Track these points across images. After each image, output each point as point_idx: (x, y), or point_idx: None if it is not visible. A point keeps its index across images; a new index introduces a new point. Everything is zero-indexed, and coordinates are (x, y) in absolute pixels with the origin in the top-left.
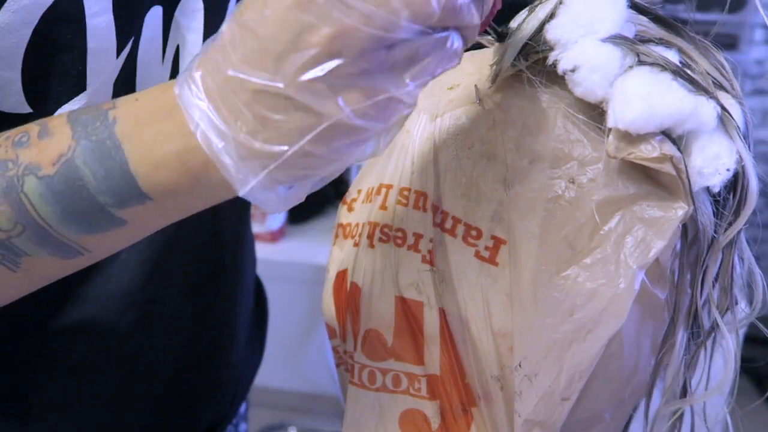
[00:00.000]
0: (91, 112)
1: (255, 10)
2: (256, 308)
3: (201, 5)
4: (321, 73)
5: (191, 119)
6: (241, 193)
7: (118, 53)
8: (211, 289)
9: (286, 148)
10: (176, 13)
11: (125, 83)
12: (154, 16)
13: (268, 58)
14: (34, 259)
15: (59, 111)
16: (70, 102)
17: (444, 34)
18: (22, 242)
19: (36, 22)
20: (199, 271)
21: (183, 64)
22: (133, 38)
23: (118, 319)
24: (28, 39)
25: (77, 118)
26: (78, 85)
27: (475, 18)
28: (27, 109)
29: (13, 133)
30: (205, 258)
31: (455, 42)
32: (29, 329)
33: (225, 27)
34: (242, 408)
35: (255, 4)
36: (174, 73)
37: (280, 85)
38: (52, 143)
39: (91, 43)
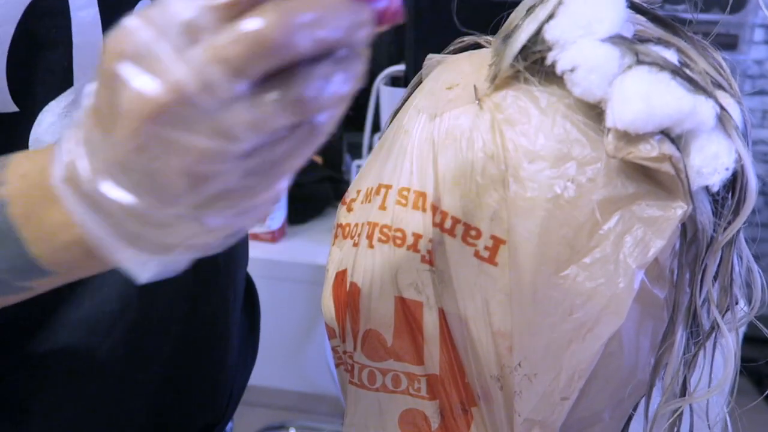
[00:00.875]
0: None
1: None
2: (248, 310)
3: None
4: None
5: (76, 218)
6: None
7: None
8: (204, 291)
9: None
10: None
11: None
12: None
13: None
14: None
15: (46, 108)
16: (57, 99)
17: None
18: None
19: (19, 17)
20: (195, 272)
21: None
22: None
23: (113, 323)
24: (11, 35)
25: None
26: (65, 81)
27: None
28: (13, 108)
29: None
30: (199, 259)
31: (312, 131)
32: (22, 335)
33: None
34: (228, 426)
35: (103, 122)
36: None
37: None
38: None
39: (77, 37)
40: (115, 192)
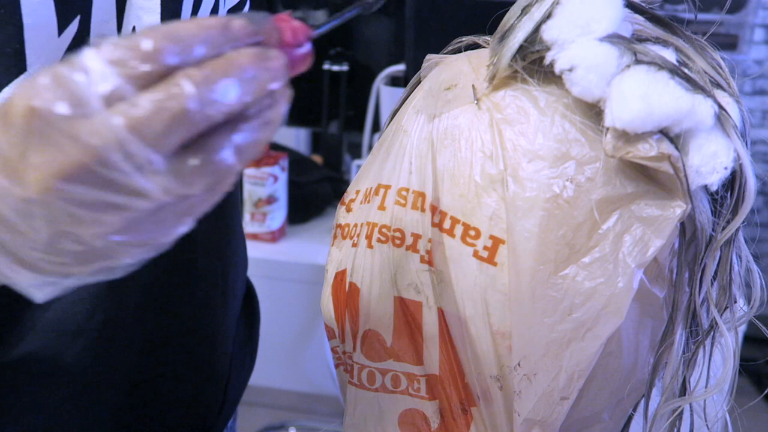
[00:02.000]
0: None
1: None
2: (246, 317)
3: None
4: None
5: None
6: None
7: (61, 31)
8: (179, 292)
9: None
10: None
11: None
12: None
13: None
14: None
15: (0, 94)
16: (9, 85)
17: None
18: None
19: None
20: (165, 271)
21: None
22: (80, 17)
23: (83, 324)
24: None
25: None
26: (16, 65)
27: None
28: None
29: None
30: (170, 257)
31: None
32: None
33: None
34: (229, 424)
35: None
36: None
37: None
38: None
39: (27, 18)
40: (11, 236)
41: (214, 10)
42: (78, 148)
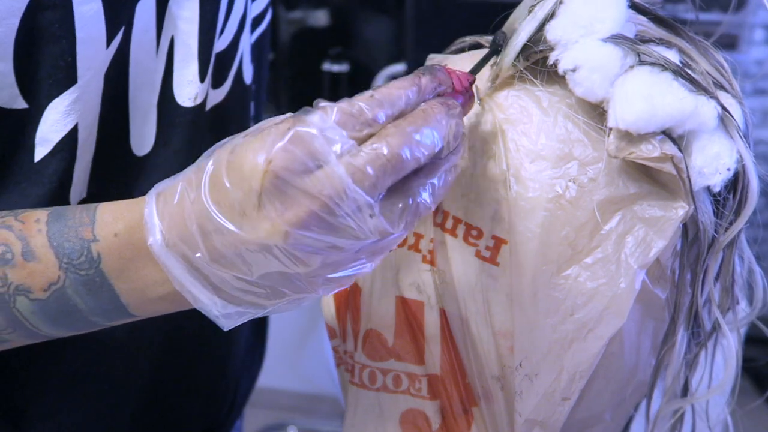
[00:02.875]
0: (72, 238)
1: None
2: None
3: None
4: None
5: (173, 278)
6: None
7: (108, 43)
8: None
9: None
10: (170, 3)
11: (118, 76)
12: (147, 6)
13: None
14: (16, 344)
15: (50, 106)
16: (60, 96)
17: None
18: (11, 336)
19: (23, 9)
20: None
21: (177, 56)
22: (123, 28)
23: (113, 328)
24: (16, 28)
25: (61, 244)
26: (68, 78)
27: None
28: (23, 104)
29: None
30: None
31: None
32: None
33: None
34: (237, 424)
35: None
36: (168, 65)
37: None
38: (39, 270)
39: (80, 32)
40: (225, 273)
41: (242, 21)
42: (310, 200)
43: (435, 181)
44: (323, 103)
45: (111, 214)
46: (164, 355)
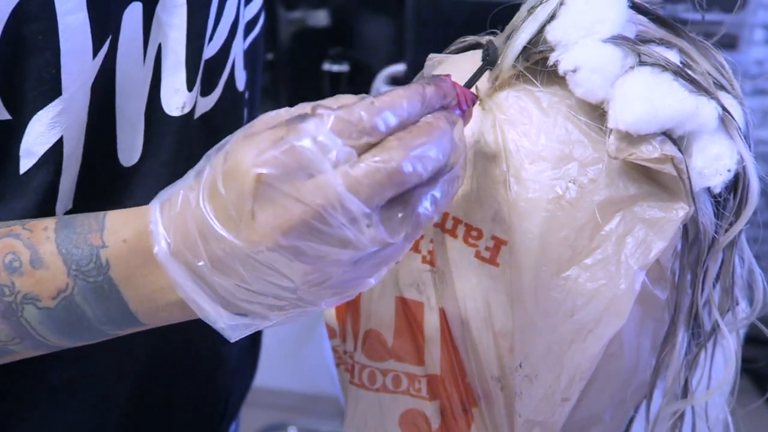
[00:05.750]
0: (81, 244)
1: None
2: None
3: (184, 0)
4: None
5: (178, 287)
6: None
7: (95, 54)
8: None
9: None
10: (157, 10)
11: (104, 87)
12: (134, 13)
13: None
14: (22, 355)
15: (34, 118)
16: (45, 109)
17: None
18: (18, 347)
19: (5, 20)
20: None
21: (165, 64)
22: (110, 37)
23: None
24: None
25: (69, 251)
26: (53, 90)
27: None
28: (6, 116)
29: None
30: None
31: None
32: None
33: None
34: (232, 427)
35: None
36: (156, 74)
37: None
38: (48, 277)
39: (65, 43)
40: (227, 282)
41: (234, 26)
42: (302, 209)
43: (437, 192)
44: (320, 110)
45: (120, 221)
46: (151, 367)
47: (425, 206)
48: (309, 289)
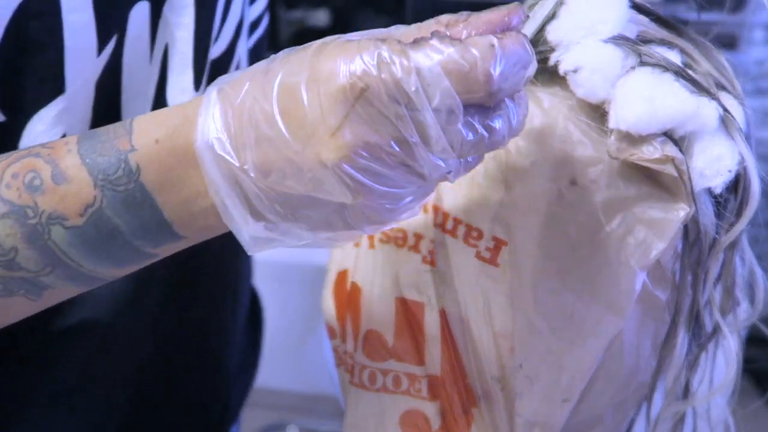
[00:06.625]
0: (107, 152)
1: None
2: (251, 325)
3: (191, 0)
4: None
5: (211, 183)
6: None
7: (99, 51)
8: (189, 299)
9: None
10: (164, 9)
11: (110, 84)
12: (141, 12)
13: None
14: (58, 291)
15: (35, 117)
16: (47, 107)
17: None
18: (50, 279)
19: (8, 19)
20: (178, 282)
21: (172, 63)
22: (116, 36)
23: (104, 329)
24: (0, 38)
25: (94, 160)
26: (55, 88)
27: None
28: (0, 117)
29: (18, 167)
30: (183, 269)
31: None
32: (6, 357)
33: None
34: (233, 429)
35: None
36: (162, 73)
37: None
38: (72, 192)
39: (69, 41)
40: (268, 191)
41: (239, 26)
42: (392, 134)
43: (513, 113)
44: (437, 43)
45: (150, 121)
46: (152, 369)
47: (503, 127)
48: (358, 212)
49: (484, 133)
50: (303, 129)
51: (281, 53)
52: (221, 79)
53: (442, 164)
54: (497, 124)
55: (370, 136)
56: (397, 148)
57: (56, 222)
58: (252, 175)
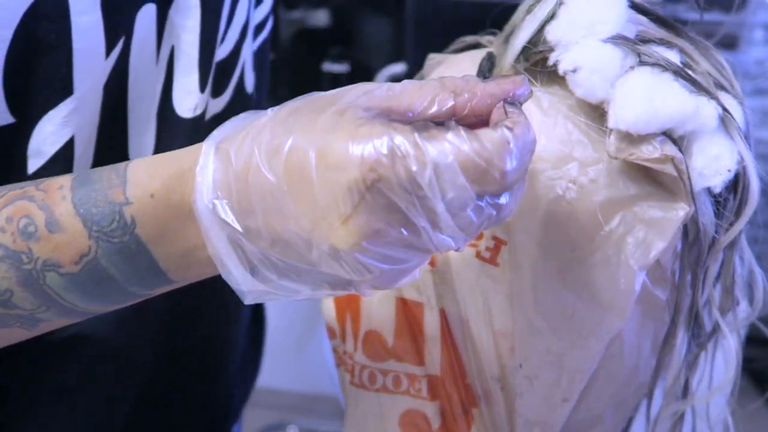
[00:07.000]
0: (101, 203)
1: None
2: (253, 326)
3: (197, 2)
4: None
5: (210, 243)
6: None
7: (108, 53)
8: (193, 303)
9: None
10: (170, 12)
11: (117, 86)
12: (147, 14)
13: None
14: (53, 323)
15: (44, 118)
16: (56, 108)
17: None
18: (46, 315)
19: (17, 21)
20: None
21: (178, 65)
22: (123, 38)
23: (111, 336)
24: (9, 40)
25: (88, 210)
26: (64, 90)
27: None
28: (8, 119)
29: (12, 211)
30: None
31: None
32: (9, 355)
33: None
34: (235, 429)
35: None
36: (169, 75)
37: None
38: (66, 241)
39: (77, 42)
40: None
41: (244, 28)
42: (402, 223)
43: (512, 197)
44: (453, 138)
45: (145, 172)
46: (154, 370)
47: (506, 210)
48: (364, 283)
49: (493, 212)
50: (313, 212)
51: (282, 110)
52: (218, 135)
53: (451, 242)
54: (504, 200)
55: (381, 223)
56: (406, 233)
57: (51, 269)
58: (256, 242)
